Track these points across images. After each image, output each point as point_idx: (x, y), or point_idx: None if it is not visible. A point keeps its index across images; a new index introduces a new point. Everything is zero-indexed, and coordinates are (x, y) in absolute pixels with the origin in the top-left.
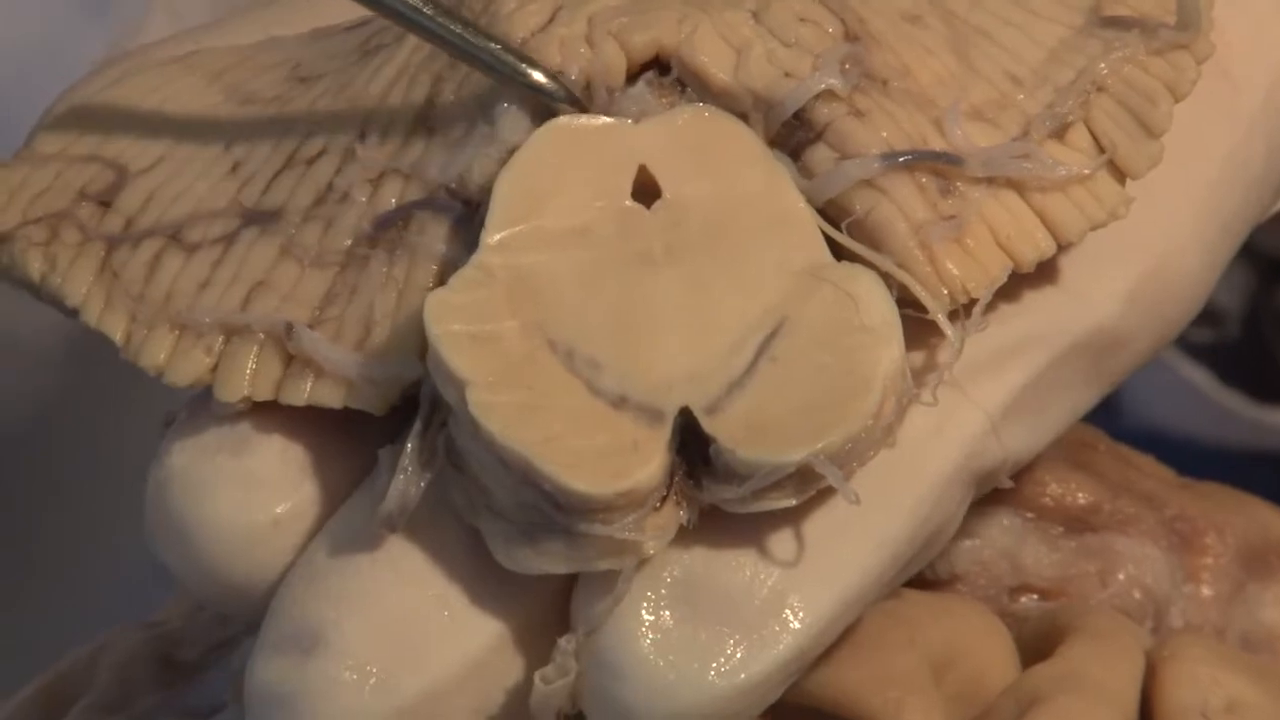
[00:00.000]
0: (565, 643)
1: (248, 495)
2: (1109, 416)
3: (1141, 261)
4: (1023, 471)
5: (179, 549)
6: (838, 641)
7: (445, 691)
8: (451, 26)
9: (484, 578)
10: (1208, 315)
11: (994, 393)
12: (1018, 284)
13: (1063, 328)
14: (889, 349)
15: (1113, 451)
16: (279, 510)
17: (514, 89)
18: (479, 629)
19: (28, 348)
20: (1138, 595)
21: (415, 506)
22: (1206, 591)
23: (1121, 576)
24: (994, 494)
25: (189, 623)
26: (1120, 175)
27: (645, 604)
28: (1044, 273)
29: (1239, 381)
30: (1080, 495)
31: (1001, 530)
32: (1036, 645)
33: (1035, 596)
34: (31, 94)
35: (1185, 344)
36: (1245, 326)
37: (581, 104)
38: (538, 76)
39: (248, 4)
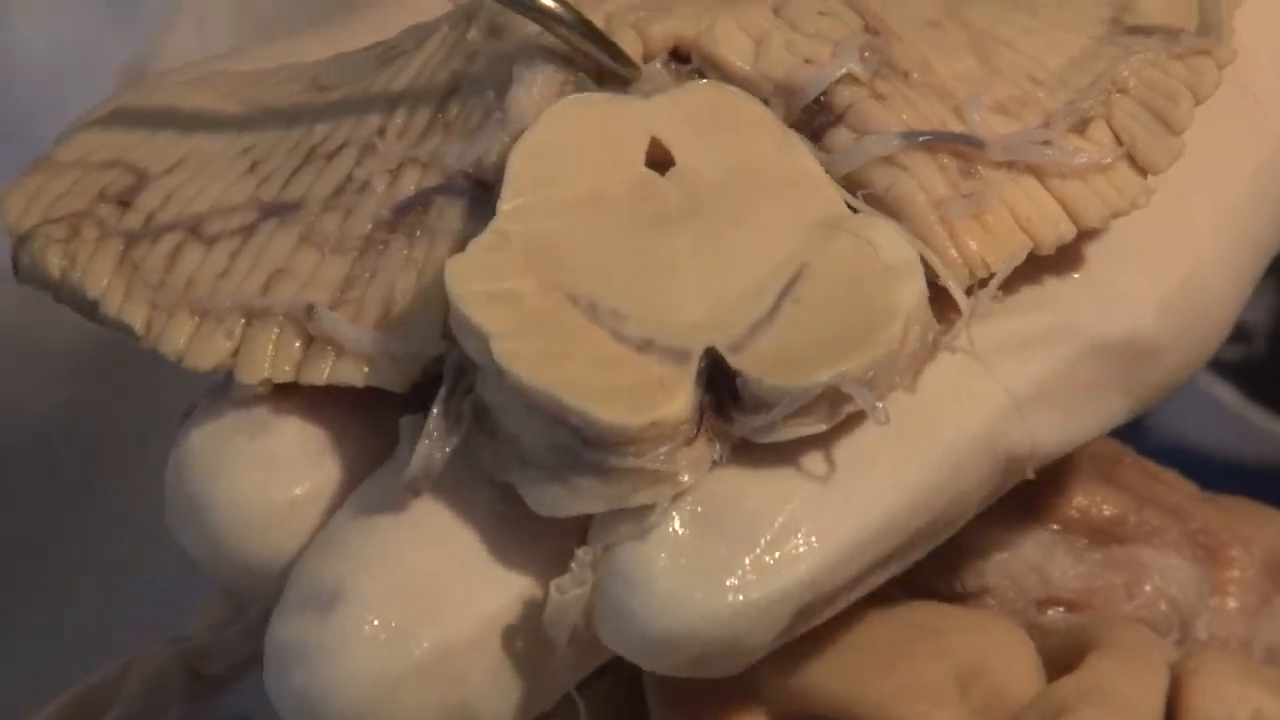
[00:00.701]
0: (583, 554)
1: (266, 476)
2: (1136, 434)
3: (1174, 273)
4: (1049, 484)
5: (196, 530)
6: (863, 652)
7: (463, 649)
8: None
9: (506, 539)
10: (1235, 332)
11: (1017, 374)
12: (1047, 279)
13: (1091, 324)
14: (912, 283)
15: (1138, 465)
16: (297, 491)
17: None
18: (499, 588)
19: (53, 359)
20: (1164, 607)
21: (439, 472)
22: (1232, 604)
23: (1148, 588)
24: (1020, 508)
25: (216, 637)
26: (1141, 172)
27: (664, 521)
28: (1075, 271)
29: (1265, 398)
30: (1106, 507)
31: (1029, 543)
32: (1062, 658)
33: (1062, 609)
34: (61, 100)
35: (1212, 361)
36: (1271, 343)
37: None
38: None
39: (271, 22)
